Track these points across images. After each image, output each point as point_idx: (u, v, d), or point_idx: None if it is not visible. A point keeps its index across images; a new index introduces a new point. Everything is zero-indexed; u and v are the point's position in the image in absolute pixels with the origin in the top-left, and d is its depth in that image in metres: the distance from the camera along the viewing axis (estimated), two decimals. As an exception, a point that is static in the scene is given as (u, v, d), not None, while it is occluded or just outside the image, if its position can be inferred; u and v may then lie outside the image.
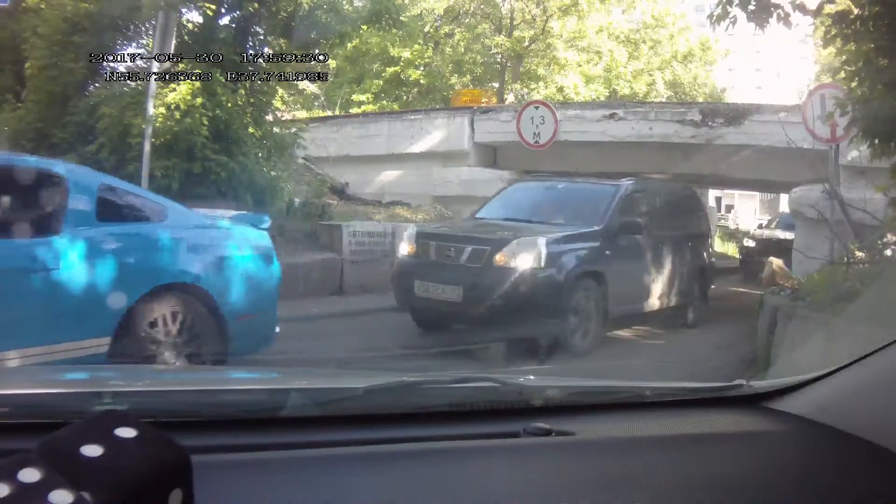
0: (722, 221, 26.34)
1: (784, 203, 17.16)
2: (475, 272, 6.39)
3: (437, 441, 1.21)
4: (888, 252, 5.64)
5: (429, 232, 7.38)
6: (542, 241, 6.47)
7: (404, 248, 7.19)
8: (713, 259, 9.56)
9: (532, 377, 1.77)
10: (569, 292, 6.46)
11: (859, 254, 5.73)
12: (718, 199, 18.86)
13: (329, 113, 18.76)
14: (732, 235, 25.00)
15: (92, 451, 0.67)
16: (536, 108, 10.83)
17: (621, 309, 7.02)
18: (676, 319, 8.13)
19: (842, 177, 8.38)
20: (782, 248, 13.87)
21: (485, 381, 1.51)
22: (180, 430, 0.97)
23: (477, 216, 8.20)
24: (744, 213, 37.24)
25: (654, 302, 7.65)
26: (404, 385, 1.40)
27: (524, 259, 6.34)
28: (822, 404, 1.34)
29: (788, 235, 14.95)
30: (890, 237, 5.70)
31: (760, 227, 19.47)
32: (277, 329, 4.82)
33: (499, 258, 6.36)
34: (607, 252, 7.00)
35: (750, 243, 16.82)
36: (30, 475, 0.63)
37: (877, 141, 5.23)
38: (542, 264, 6.34)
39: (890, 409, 1.22)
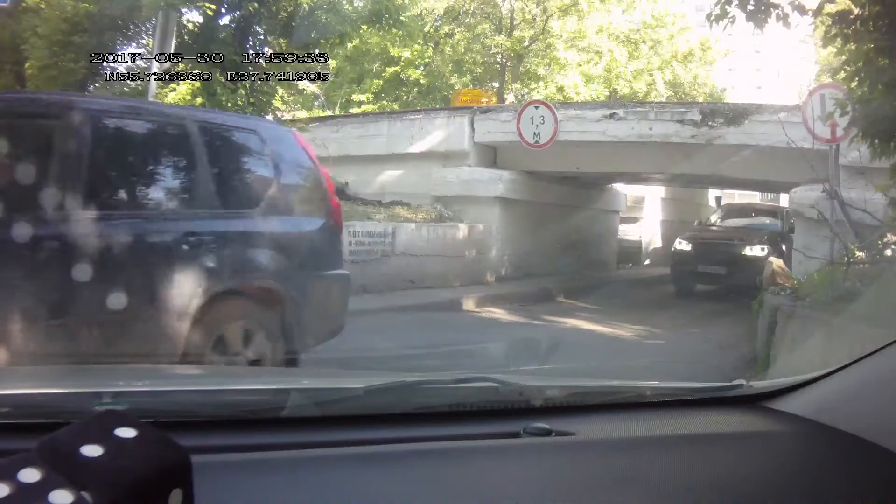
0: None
1: (783, 203, 16.47)
2: None
3: (437, 441, 1.21)
4: (888, 252, 5.63)
5: None
6: None
7: None
8: (342, 274, 5.05)
9: (532, 377, 1.77)
10: None
11: (859, 254, 5.73)
12: (718, 199, 18.40)
13: (329, 113, 18.74)
14: None
15: (92, 451, 0.67)
16: (536, 107, 10.83)
17: None
18: None
19: (842, 177, 8.36)
20: (732, 254, 11.91)
21: (485, 381, 1.51)
22: (180, 430, 0.97)
23: None
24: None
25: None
26: (404, 385, 1.40)
27: None
28: (822, 404, 1.34)
29: (738, 228, 12.64)
30: (890, 237, 5.69)
31: (700, 223, 14.42)
32: None
33: None
34: None
35: (684, 246, 12.59)
36: (30, 475, 0.63)
37: (877, 141, 5.22)
38: None
39: (890, 409, 1.22)
